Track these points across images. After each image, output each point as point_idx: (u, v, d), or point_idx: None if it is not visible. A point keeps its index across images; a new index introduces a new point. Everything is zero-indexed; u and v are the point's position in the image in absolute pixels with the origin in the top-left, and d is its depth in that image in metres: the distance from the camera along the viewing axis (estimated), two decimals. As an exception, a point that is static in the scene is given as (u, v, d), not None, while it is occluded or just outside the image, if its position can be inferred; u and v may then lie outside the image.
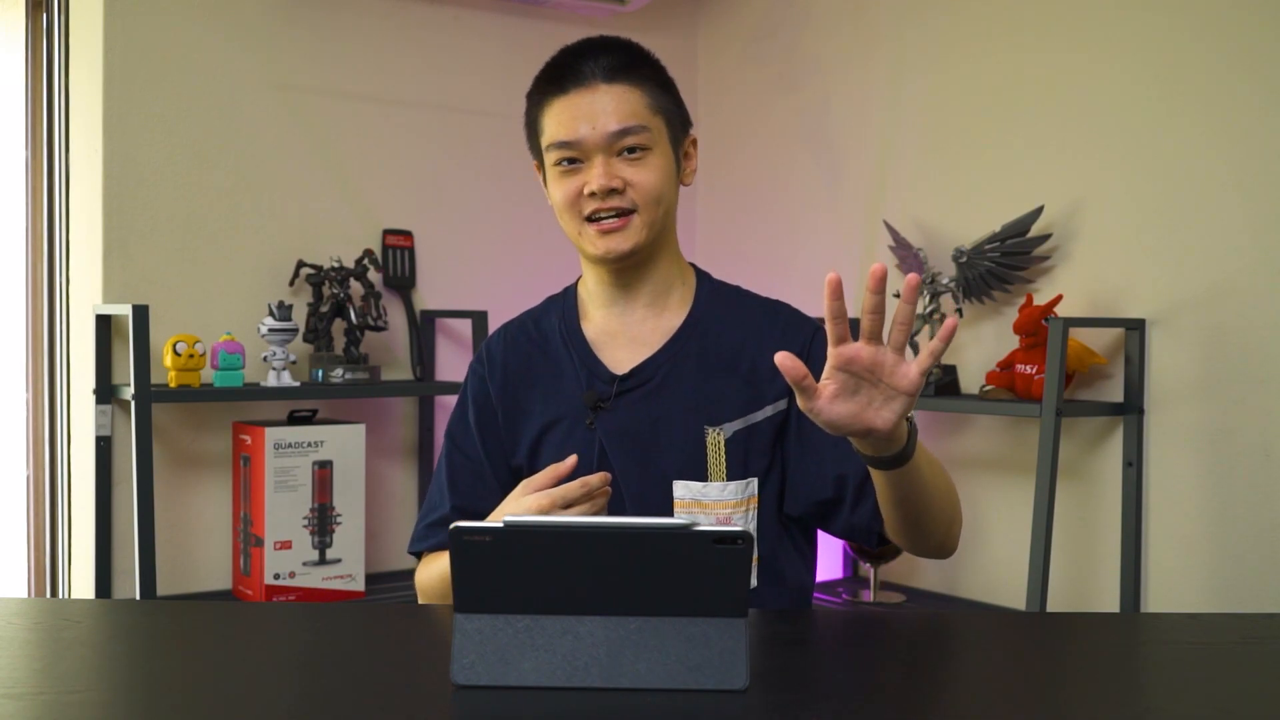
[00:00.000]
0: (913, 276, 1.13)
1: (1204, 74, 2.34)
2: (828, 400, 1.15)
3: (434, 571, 1.47)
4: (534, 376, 1.52)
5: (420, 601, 1.50)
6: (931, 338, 2.90)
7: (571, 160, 1.43)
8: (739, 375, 1.47)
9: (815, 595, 2.78)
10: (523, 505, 1.31)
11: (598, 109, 1.42)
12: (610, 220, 1.43)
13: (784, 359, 1.13)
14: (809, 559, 1.51)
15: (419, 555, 1.54)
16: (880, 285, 1.12)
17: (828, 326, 1.14)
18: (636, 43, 1.50)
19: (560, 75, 1.45)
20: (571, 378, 1.49)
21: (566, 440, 1.46)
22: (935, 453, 2.81)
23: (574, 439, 1.46)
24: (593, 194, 1.42)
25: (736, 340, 1.49)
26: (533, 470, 1.48)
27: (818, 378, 1.18)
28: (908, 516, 1.33)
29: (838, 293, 1.12)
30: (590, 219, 1.44)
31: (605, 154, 1.42)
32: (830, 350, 1.15)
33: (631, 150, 1.43)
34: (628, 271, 1.49)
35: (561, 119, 1.43)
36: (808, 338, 1.49)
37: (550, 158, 1.45)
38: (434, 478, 1.57)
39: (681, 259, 1.55)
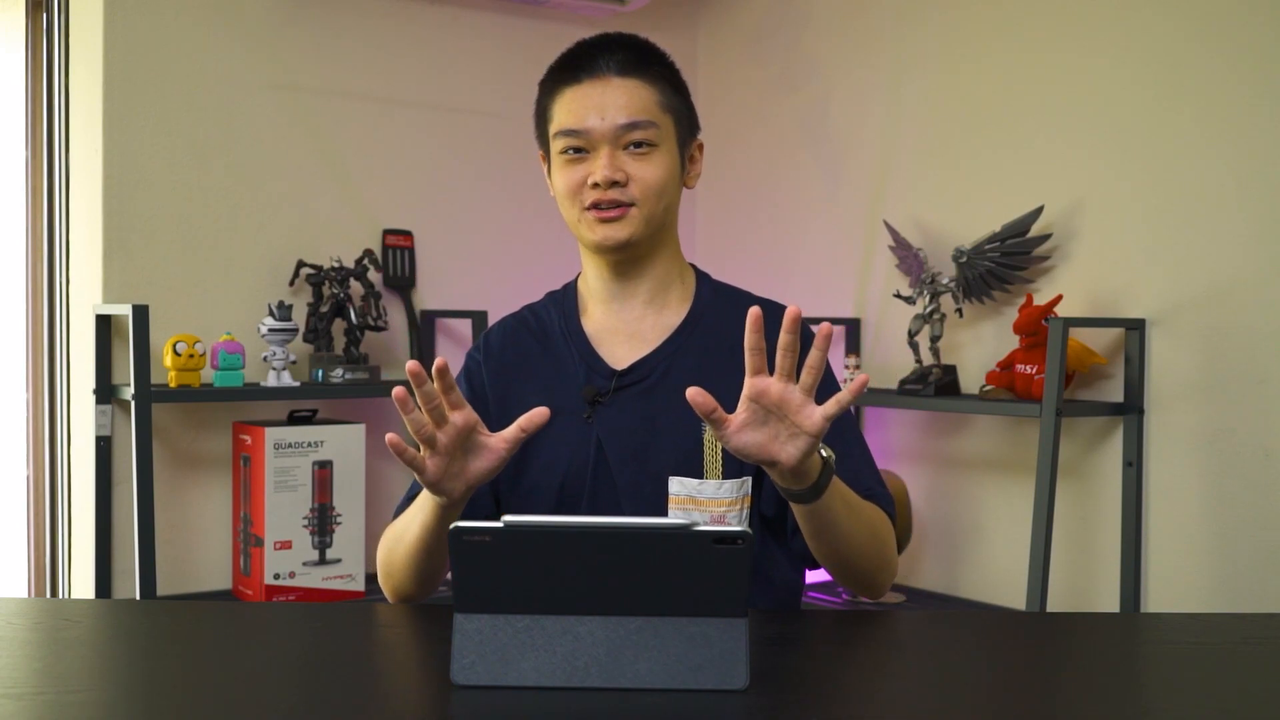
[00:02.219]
0: (824, 326, 1.18)
1: (1204, 74, 2.34)
2: (735, 429, 1.21)
3: (390, 528, 1.47)
4: (532, 370, 1.52)
5: (379, 560, 1.47)
6: (932, 337, 2.89)
7: (578, 149, 1.45)
8: (738, 374, 1.47)
9: (815, 595, 2.78)
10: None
11: (608, 101, 1.44)
12: (609, 209, 1.44)
13: (694, 394, 1.19)
14: (796, 559, 1.51)
15: None
16: (794, 326, 1.17)
17: (746, 358, 1.20)
18: (653, 42, 1.52)
19: (574, 65, 1.46)
20: (570, 372, 1.50)
21: (563, 433, 1.47)
22: (935, 452, 2.83)
23: (570, 432, 1.47)
24: (595, 185, 1.43)
25: (736, 339, 1.49)
26: (525, 461, 1.48)
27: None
28: (824, 550, 1.36)
29: (757, 327, 1.19)
30: (589, 207, 1.45)
31: (612, 146, 1.44)
32: (746, 380, 1.21)
33: (638, 145, 1.44)
34: (626, 265, 1.49)
35: (572, 107, 1.45)
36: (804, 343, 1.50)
37: (557, 145, 1.47)
38: None
39: (681, 258, 1.56)
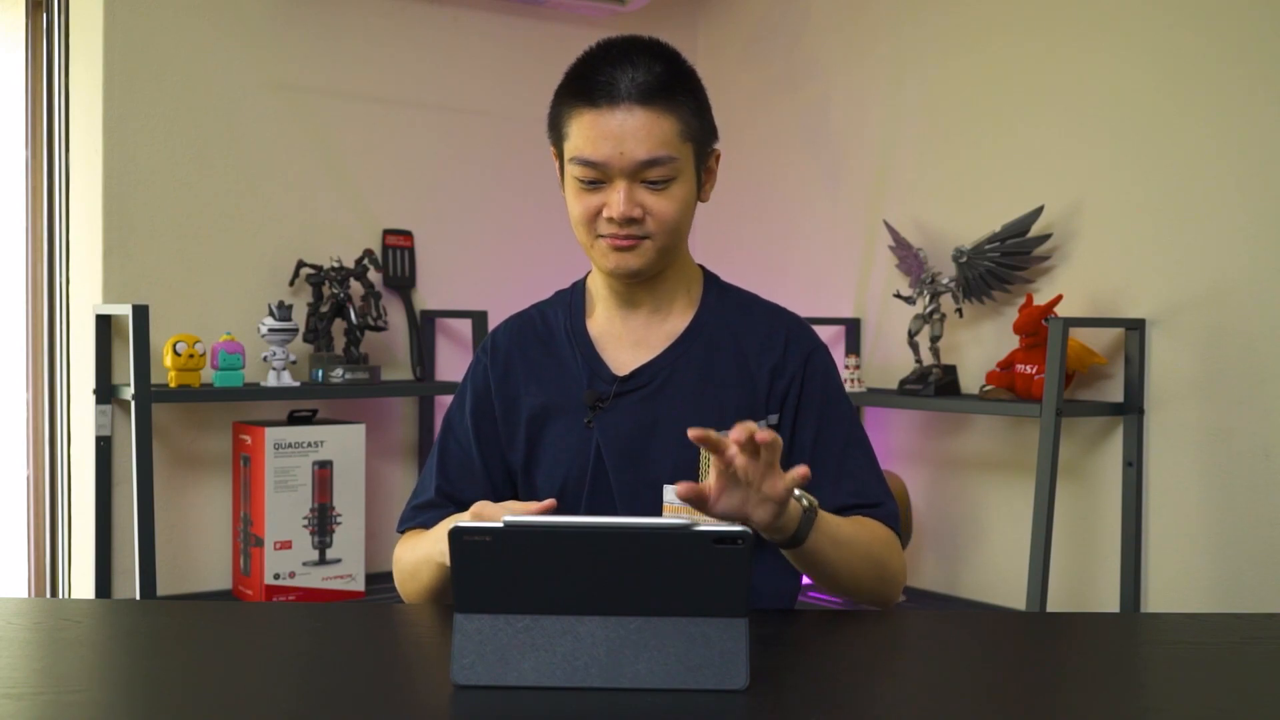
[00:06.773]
0: (764, 434, 1.16)
1: (1205, 74, 2.34)
2: (714, 499, 1.21)
3: (406, 550, 1.47)
4: (536, 369, 1.51)
5: (395, 578, 1.49)
6: (932, 337, 2.89)
7: (594, 181, 1.39)
8: (739, 384, 1.47)
9: (815, 594, 2.78)
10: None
11: (627, 133, 1.36)
12: (624, 239, 1.41)
13: (695, 435, 1.17)
14: (790, 566, 1.51)
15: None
16: (744, 435, 1.17)
17: (704, 446, 1.19)
18: (675, 53, 1.44)
19: (592, 86, 1.38)
20: (573, 374, 1.49)
21: (564, 436, 1.47)
22: (935, 452, 2.83)
23: (571, 436, 1.46)
24: (610, 219, 1.40)
25: (739, 348, 1.49)
26: (531, 464, 1.48)
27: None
28: (819, 581, 1.38)
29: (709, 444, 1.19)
30: (602, 236, 1.42)
31: (629, 180, 1.38)
32: (713, 458, 1.20)
33: (655, 182, 1.39)
34: (634, 280, 1.48)
35: (589, 136, 1.37)
36: (807, 352, 1.49)
37: (572, 169, 1.41)
38: (428, 459, 1.57)
39: (690, 264, 1.54)
